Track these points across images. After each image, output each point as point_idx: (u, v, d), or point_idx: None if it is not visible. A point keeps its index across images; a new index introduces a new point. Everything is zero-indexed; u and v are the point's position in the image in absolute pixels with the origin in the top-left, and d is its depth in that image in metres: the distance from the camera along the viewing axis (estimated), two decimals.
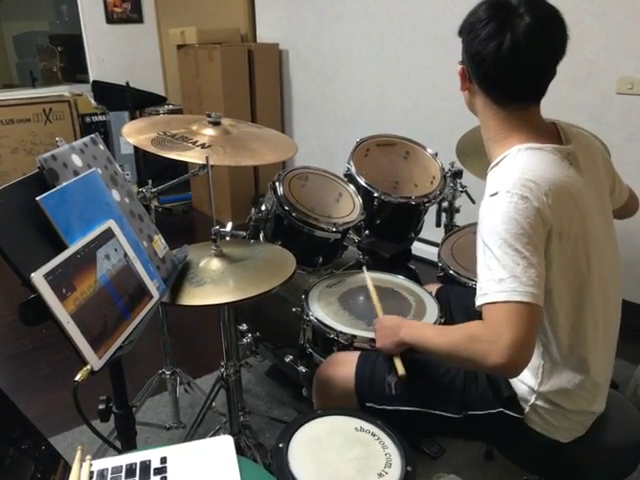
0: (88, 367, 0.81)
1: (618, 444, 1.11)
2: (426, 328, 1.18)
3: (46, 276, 0.77)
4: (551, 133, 1.06)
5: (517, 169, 0.97)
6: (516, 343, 0.88)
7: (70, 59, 4.73)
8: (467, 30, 1.01)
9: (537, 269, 0.91)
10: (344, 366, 1.26)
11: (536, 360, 1.04)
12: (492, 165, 1.05)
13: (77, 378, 0.80)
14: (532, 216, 0.92)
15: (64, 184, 0.90)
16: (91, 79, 4.37)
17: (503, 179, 0.97)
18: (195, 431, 1.72)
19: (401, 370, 1.16)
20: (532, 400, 1.06)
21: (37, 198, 0.83)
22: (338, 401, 1.25)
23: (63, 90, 4.28)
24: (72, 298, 0.81)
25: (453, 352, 0.99)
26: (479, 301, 0.94)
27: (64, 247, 0.85)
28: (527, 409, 1.06)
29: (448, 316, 1.48)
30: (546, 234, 0.94)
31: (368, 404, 1.20)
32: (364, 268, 1.65)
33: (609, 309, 1.07)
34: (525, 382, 1.07)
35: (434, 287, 1.67)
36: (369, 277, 1.55)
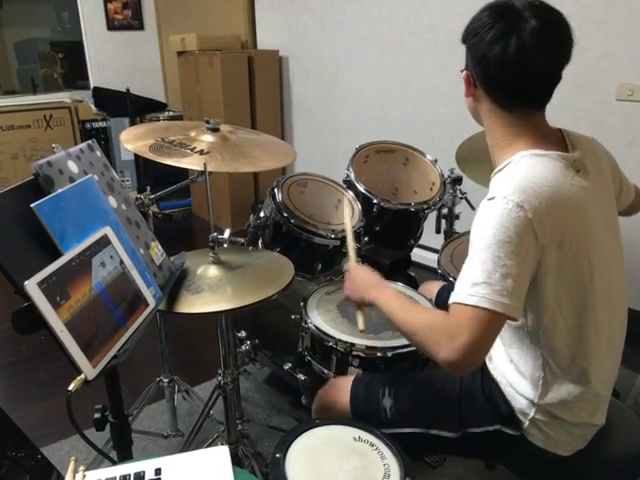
0: (82, 376, 0.80)
1: (620, 455, 1.09)
2: (395, 299, 1.11)
3: (40, 284, 0.76)
4: (557, 139, 1.04)
5: (518, 175, 0.96)
6: (470, 346, 0.89)
7: (71, 65, 4.74)
8: (472, 34, 1.00)
9: (515, 280, 0.90)
10: (340, 393, 1.24)
11: (536, 372, 1.03)
12: (495, 170, 1.04)
13: (70, 387, 0.79)
14: (522, 226, 0.91)
15: (59, 191, 0.90)
16: (92, 85, 4.38)
17: (503, 184, 0.96)
18: (193, 439, 1.70)
19: (361, 325, 1.19)
20: (532, 414, 1.04)
21: (32, 205, 0.82)
22: None
23: (64, 96, 4.29)
24: (66, 306, 0.80)
25: (412, 333, 1.01)
26: (451, 298, 0.95)
27: (59, 254, 0.84)
28: (526, 423, 1.05)
29: None
30: (538, 247, 0.93)
31: None
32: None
33: (613, 319, 1.06)
34: (525, 395, 1.05)
35: (435, 285, 1.66)
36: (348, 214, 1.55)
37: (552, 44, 0.96)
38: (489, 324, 0.90)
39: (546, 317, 0.98)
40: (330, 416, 1.25)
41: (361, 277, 1.23)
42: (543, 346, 1.01)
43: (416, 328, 1.00)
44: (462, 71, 1.06)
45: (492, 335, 0.92)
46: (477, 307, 0.90)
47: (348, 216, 1.51)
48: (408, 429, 1.15)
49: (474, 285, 0.91)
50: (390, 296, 1.13)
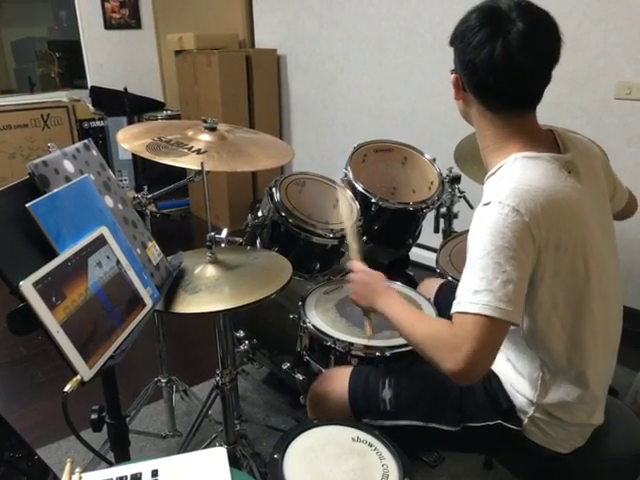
0: (78, 377, 0.80)
1: (619, 454, 1.10)
2: (401, 309, 1.10)
3: (35, 284, 0.76)
4: (549, 141, 1.04)
5: (512, 179, 0.95)
6: (474, 355, 0.88)
7: (68, 65, 4.73)
8: (459, 38, 0.99)
9: (516, 285, 0.90)
10: (337, 382, 1.24)
11: (534, 372, 1.03)
12: (489, 174, 1.03)
13: (66, 389, 0.78)
14: (520, 230, 0.90)
15: (55, 190, 0.89)
16: (89, 85, 4.37)
17: (498, 189, 0.95)
18: (191, 440, 1.70)
19: (369, 331, 1.20)
20: (531, 412, 1.04)
21: (27, 205, 0.82)
22: (334, 418, 1.23)
23: (61, 96, 4.28)
24: (62, 307, 0.79)
25: (418, 345, 1.01)
26: (453, 309, 0.94)
27: (54, 255, 0.83)
28: (525, 421, 1.05)
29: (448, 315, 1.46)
30: (536, 250, 0.92)
31: (365, 420, 1.19)
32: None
33: (610, 320, 1.06)
34: (523, 394, 1.05)
35: (435, 282, 1.66)
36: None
37: (540, 46, 0.94)
38: (492, 332, 0.89)
39: (540, 318, 0.98)
40: (325, 407, 1.25)
41: (367, 281, 1.21)
42: (539, 348, 1.01)
43: (421, 339, 1.00)
44: (451, 73, 1.05)
45: (496, 343, 0.91)
46: (479, 315, 0.89)
47: (346, 213, 1.49)
48: (407, 421, 1.14)
49: (475, 293, 0.90)
50: (396, 305, 1.12)
